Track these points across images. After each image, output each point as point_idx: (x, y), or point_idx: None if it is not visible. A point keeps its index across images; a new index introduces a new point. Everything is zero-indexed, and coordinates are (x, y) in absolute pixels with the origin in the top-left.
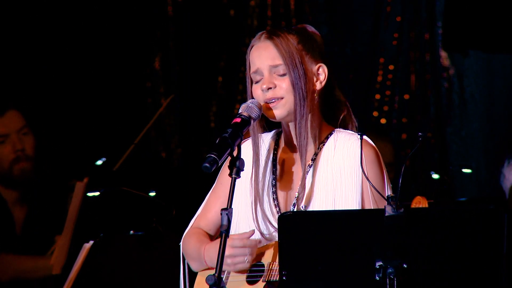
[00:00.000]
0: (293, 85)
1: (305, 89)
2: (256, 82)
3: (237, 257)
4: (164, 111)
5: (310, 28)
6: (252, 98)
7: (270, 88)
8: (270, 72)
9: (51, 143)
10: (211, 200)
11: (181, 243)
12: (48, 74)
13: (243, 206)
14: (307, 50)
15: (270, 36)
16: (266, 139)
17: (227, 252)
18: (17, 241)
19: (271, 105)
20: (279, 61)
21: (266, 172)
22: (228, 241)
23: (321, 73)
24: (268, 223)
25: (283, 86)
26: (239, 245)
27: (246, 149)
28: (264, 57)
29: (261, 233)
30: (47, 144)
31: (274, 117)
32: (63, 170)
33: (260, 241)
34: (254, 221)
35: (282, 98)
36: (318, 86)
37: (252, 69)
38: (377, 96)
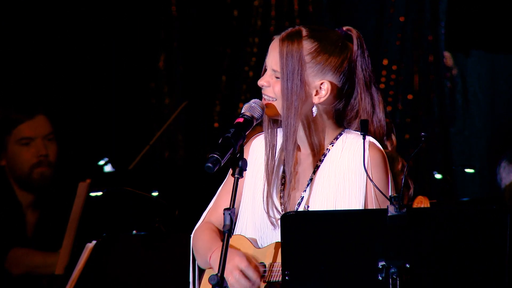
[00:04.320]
0: (282, 93)
1: (296, 102)
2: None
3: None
4: (168, 111)
5: (355, 34)
6: None
7: (264, 85)
8: (271, 73)
9: (70, 150)
10: (222, 195)
11: (191, 236)
12: (60, 77)
13: (251, 200)
14: (315, 63)
15: (283, 39)
16: (281, 135)
17: (237, 275)
18: (27, 243)
19: (266, 103)
20: (277, 67)
21: (277, 169)
22: (243, 264)
23: (323, 89)
24: (277, 213)
25: (275, 89)
26: (252, 277)
27: (261, 142)
28: (271, 57)
29: (270, 222)
30: (68, 152)
31: (269, 116)
32: (75, 174)
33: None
34: (264, 210)
35: (274, 99)
36: (316, 100)
37: (266, 59)
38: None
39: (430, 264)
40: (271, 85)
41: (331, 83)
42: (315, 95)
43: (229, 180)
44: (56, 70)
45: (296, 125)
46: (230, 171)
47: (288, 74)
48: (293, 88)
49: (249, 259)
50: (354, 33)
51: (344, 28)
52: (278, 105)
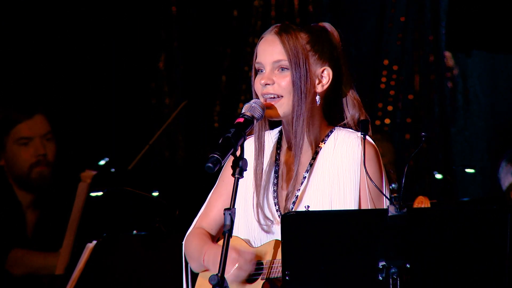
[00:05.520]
0: (293, 83)
1: (305, 90)
2: (258, 73)
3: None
4: (168, 111)
5: (330, 28)
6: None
7: (268, 84)
8: (272, 67)
9: (70, 149)
10: (213, 199)
11: (183, 242)
12: (60, 77)
13: (243, 202)
14: (315, 51)
15: (280, 32)
16: (270, 136)
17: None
18: (28, 243)
19: (268, 103)
20: (282, 56)
21: (268, 170)
22: (234, 251)
23: (325, 76)
24: (268, 221)
25: (282, 84)
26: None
27: (250, 145)
28: (269, 52)
29: (262, 229)
30: (67, 151)
31: (271, 117)
32: (74, 174)
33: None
34: (255, 218)
35: (280, 96)
36: (319, 89)
37: (257, 60)
38: (381, 96)
39: (430, 264)
40: (275, 82)
41: (331, 69)
42: (318, 84)
43: (219, 185)
44: (56, 70)
45: (306, 116)
46: (220, 176)
47: (296, 63)
48: (301, 77)
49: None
50: (333, 28)
51: (320, 24)
52: (285, 101)
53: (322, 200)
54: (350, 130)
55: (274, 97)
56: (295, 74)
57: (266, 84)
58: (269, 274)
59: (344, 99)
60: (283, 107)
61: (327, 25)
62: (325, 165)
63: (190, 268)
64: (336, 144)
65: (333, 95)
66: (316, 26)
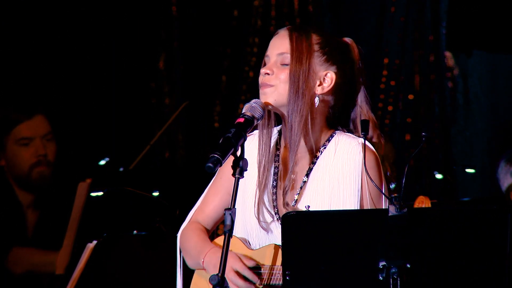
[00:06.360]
0: (291, 76)
1: (303, 86)
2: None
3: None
4: (168, 111)
5: (351, 42)
6: None
7: (268, 74)
8: (276, 60)
9: (70, 150)
10: (209, 194)
11: (178, 234)
12: (60, 77)
13: (241, 200)
14: (323, 53)
15: (291, 28)
16: (272, 134)
17: (233, 277)
18: (28, 243)
19: (261, 90)
20: (287, 50)
21: (268, 170)
22: (238, 265)
23: (327, 79)
24: (268, 219)
25: (280, 77)
26: (248, 277)
27: (250, 143)
28: (276, 46)
29: (261, 227)
30: (67, 151)
31: (265, 104)
32: (75, 174)
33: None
34: (255, 216)
35: (272, 86)
36: (319, 90)
37: (266, 54)
38: (381, 96)
39: (430, 264)
40: (275, 73)
41: (336, 74)
42: (319, 86)
43: (216, 180)
44: (56, 70)
45: (305, 114)
46: (218, 172)
47: (298, 58)
48: (301, 73)
49: (242, 259)
50: (355, 45)
51: (343, 38)
52: (277, 90)
53: (322, 205)
54: (351, 135)
55: (271, 86)
56: (294, 68)
57: (265, 74)
58: (269, 281)
59: (357, 118)
60: (274, 95)
61: (348, 40)
62: (325, 170)
63: (184, 261)
64: (337, 150)
65: (340, 106)
66: (336, 37)
